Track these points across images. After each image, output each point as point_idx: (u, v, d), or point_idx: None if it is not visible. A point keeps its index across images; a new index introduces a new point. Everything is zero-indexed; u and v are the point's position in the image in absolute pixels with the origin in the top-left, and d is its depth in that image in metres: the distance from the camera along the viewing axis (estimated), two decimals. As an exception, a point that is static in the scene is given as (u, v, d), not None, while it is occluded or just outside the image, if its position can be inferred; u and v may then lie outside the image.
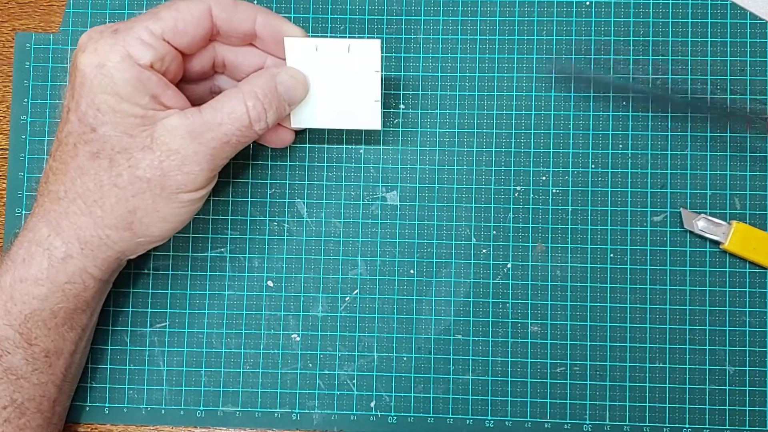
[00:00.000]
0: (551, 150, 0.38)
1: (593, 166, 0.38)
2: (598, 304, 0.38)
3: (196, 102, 0.33)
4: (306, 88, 0.35)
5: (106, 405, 0.38)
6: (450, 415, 0.38)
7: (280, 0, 0.39)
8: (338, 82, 0.35)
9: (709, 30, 0.39)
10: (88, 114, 0.31)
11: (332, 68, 0.35)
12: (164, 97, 0.31)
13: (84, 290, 0.33)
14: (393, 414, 0.38)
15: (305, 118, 0.36)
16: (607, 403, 0.37)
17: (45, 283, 0.32)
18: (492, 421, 0.37)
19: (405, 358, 0.38)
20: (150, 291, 0.39)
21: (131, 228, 0.32)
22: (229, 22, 0.33)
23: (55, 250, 0.32)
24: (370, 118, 0.35)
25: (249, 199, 0.39)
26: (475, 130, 0.39)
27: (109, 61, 0.30)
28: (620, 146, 0.38)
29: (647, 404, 0.37)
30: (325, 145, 0.39)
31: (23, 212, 0.39)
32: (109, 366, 0.38)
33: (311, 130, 0.39)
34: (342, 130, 0.39)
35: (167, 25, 0.31)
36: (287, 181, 0.39)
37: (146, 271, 0.39)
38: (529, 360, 0.38)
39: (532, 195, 0.38)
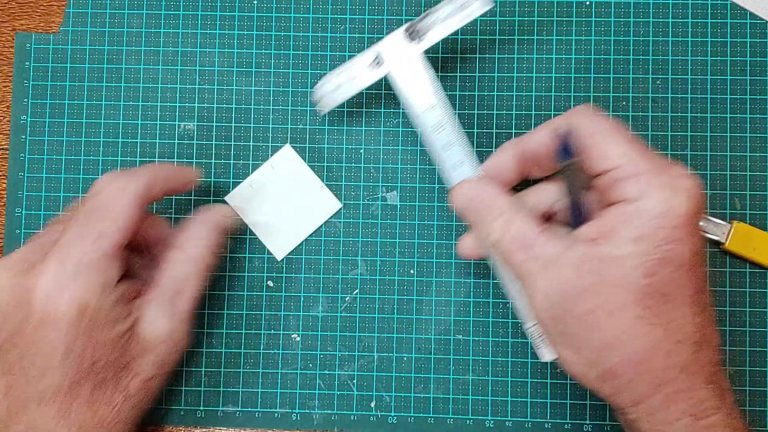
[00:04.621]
0: (551, 150, 0.38)
1: (593, 166, 0.38)
2: (599, 304, 0.38)
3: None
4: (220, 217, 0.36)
5: (106, 405, 0.38)
6: (450, 415, 0.37)
7: (280, 0, 0.39)
8: (285, 197, 0.38)
9: (709, 30, 0.39)
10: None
11: (273, 191, 0.38)
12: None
13: None
14: (393, 414, 0.38)
15: (283, 244, 0.38)
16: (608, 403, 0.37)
17: None
18: (492, 421, 0.37)
19: (405, 358, 0.38)
20: (150, 291, 0.39)
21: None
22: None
23: None
24: (329, 203, 0.38)
25: (249, 199, 0.39)
26: (475, 130, 0.39)
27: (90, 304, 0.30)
28: (620, 146, 0.38)
29: (647, 404, 0.37)
30: (325, 146, 0.39)
31: (23, 212, 0.39)
32: (109, 366, 0.38)
33: (312, 130, 0.39)
34: (342, 129, 0.39)
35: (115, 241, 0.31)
36: (287, 181, 0.39)
37: (146, 271, 0.39)
38: (529, 360, 0.38)
39: (532, 195, 0.38)
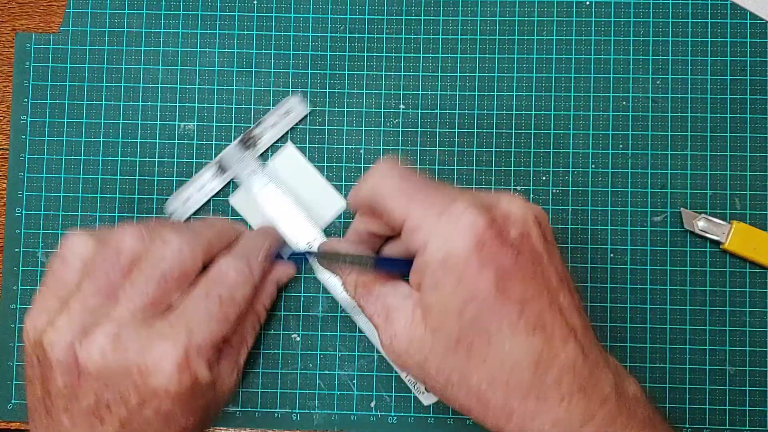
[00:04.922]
0: (551, 150, 0.38)
1: (593, 166, 0.38)
2: (598, 304, 0.38)
3: None
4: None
5: (106, 405, 0.38)
6: (450, 415, 0.37)
7: (280, 0, 0.39)
8: (289, 196, 0.38)
9: (709, 30, 0.39)
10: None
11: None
12: None
13: None
14: (393, 414, 0.38)
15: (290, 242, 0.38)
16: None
17: None
18: (492, 421, 0.37)
19: (405, 358, 0.38)
20: (150, 291, 0.39)
21: None
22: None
23: None
24: (334, 202, 0.38)
25: (249, 199, 0.39)
26: (475, 130, 0.39)
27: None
28: (620, 146, 0.38)
29: (647, 404, 0.37)
30: (325, 146, 0.39)
31: (23, 212, 0.39)
32: (109, 366, 0.38)
33: (312, 130, 0.39)
34: (342, 129, 0.39)
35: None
36: (287, 181, 0.39)
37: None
38: (529, 360, 0.37)
39: (532, 195, 0.38)
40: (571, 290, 0.28)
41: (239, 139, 0.38)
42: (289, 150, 0.39)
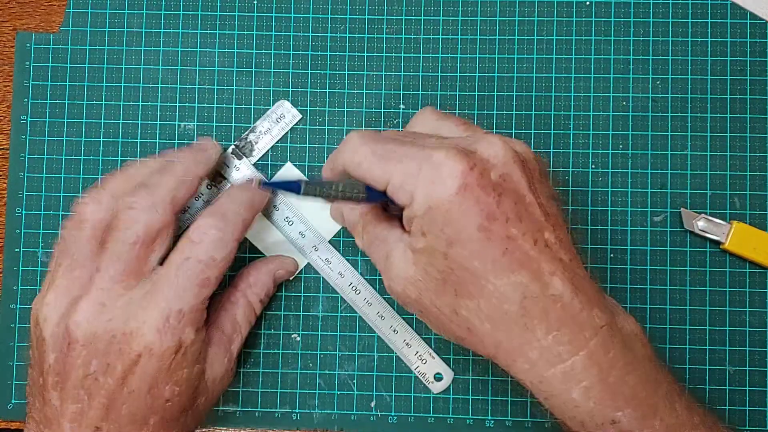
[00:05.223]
0: (551, 150, 0.38)
1: (593, 166, 0.38)
2: (598, 304, 0.38)
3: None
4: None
5: (106, 405, 0.38)
6: (450, 415, 0.38)
7: (280, 0, 0.39)
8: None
9: (709, 30, 0.39)
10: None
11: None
12: None
13: None
14: (393, 414, 0.38)
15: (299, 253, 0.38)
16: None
17: None
18: (492, 421, 0.37)
19: (405, 358, 0.38)
20: (150, 291, 0.39)
21: None
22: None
23: None
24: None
25: (249, 199, 0.39)
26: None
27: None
28: (620, 146, 0.38)
29: (647, 404, 0.37)
30: (326, 146, 0.39)
31: (23, 212, 0.39)
32: (109, 366, 0.38)
33: (312, 130, 0.39)
34: (342, 130, 0.39)
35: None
36: (287, 181, 0.39)
37: (146, 271, 0.39)
38: (529, 360, 0.38)
39: (532, 195, 0.38)
40: (558, 226, 0.29)
41: (230, 149, 0.38)
42: (289, 171, 0.39)
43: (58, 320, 0.30)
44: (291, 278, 0.38)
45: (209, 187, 0.38)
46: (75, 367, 0.30)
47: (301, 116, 0.39)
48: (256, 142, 0.38)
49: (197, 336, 0.31)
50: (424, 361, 0.37)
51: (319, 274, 0.38)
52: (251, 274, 0.36)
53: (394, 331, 0.37)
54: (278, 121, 0.38)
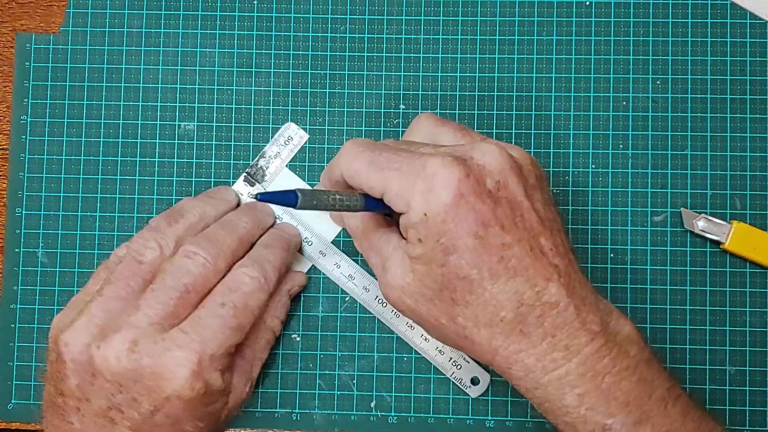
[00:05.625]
0: (551, 150, 0.38)
1: (593, 166, 0.38)
2: (599, 304, 0.38)
3: None
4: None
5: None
6: (450, 415, 0.37)
7: (280, 0, 0.39)
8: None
9: (709, 30, 0.39)
10: None
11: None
12: None
13: None
14: (393, 414, 0.38)
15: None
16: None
17: None
18: (492, 421, 0.37)
19: (405, 358, 0.38)
20: (150, 291, 0.39)
21: None
22: None
23: None
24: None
25: (249, 199, 0.39)
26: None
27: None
28: (620, 146, 0.38)
29: (647, 404, 0.37)
30: (326, 146, 0.39)
31: (23, 212, 0.39)
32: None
33: (312, 131, 0.39)
34: (342, 130, 0.39)
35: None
36: (287, 181, 0.39)
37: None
38: (529, 360, 0.37)
39: (532, 195, 0.38)
40: (555, 232, 0.29)
41: (244, 175, 0.38)
42: (287, 177, 0.39)
43: (82, 348, 0.30)
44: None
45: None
46: (99, 397, 0.30)
47: (308, 136, 0.39)
48: (267, 167, 0.38)
49: (224, 378, 0.32)
50: (458, 367, 0.37)
51: (319, 275, 0.38)
52: (270, 298, 0.36)
53: (426, 339, 0.37)
54: (286, 144, 0.38)
